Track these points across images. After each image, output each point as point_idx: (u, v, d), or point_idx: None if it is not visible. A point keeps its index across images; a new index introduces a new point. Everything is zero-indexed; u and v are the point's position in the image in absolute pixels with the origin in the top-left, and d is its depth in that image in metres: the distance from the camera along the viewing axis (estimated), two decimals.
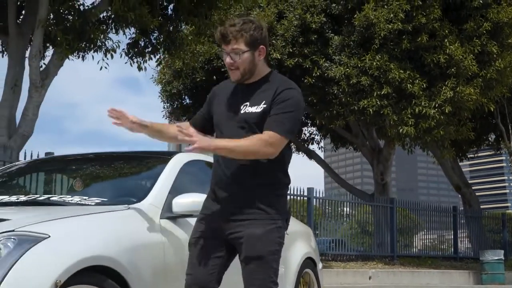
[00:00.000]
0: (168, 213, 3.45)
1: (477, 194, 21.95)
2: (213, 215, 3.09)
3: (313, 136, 21.29)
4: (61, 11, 11.91)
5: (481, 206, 21.24)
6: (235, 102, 3.12)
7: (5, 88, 11.14)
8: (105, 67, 11.71)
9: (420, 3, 14.06)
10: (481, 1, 14.37)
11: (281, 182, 3.13)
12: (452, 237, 18.41)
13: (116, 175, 4.17)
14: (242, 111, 3.08)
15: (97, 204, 3.44)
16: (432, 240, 19.16)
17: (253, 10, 15.38)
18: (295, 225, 5.22)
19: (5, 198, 3.65)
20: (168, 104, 18.75)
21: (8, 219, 2.86)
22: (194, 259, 3.07)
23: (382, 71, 14.03)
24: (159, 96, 18.71)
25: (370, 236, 16.71)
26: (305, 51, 14.89)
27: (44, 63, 11.48)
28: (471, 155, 22.82)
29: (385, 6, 14.22)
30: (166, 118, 19.04)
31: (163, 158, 3.64)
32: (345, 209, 16.11)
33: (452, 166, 20.53)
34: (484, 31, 14.38)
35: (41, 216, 2.94)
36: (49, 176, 4.36)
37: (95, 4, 11.50)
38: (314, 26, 14.81)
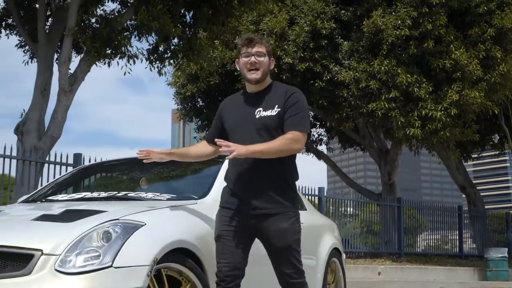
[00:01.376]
0: None
1: (481, 194, 22.46)
2: (237, 210, 3.65)
3: (322, 137, 21.91)
4: (88, 20, 12.62)
5: (485, 207, 21.72)
6: (248, 109, 3.70)
7: (35, 93, 11.66)
8: (128, 72, 12.35)
9: (427, 10, 14.53)
10: (485, 8, 14.81)
11: (294, 179, 3.75)
12: (457, 236, 18.92)
13: (179, 175, 4.84)
14: (257, 116, 3.65)
15: (168, 199, 4.10)
16: (437, 240, 19.66)
17: (265, 16, 15.94)
18: (321, 220, 5.88)
19: (88, 194, 4.31)
20: (182, 106, 19.36)
21: (105, 211, 3.51)
22: (225, 250, 3.61)
23: (390, 75, 14.49)
24: (173, 98, 19.34)
25: (378, 234, 17.23)
26: (316, 56, 15.36)
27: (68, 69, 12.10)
28: (475, 155, 23.33)
29: (393, 13, 14.74)
30: (180, 120, 19.67)
31: (216, 160, 4.27)
32: (349, 209, 16.56)
33: (457, 167, 21.03)
34: (488, 37, 14.80)
35: (132, 208, 3.60)
36: (119, 176, 5.02)
37: (120, 13, 12.12)
38: (324, 32, 15.27)
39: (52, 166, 10.89)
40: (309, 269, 5.06)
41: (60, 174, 10.68)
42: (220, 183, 4.11)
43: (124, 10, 12.90)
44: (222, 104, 3.91)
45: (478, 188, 22.54)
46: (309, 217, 5.30)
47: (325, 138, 21.80)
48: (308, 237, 5.11)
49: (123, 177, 5.04)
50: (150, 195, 4.20)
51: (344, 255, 5.99)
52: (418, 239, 19.05)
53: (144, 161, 3.87)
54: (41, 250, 3.09)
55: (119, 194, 4.27)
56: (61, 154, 10.92)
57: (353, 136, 19.65)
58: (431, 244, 19.11)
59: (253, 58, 3.67)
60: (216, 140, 3.65)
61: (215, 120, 3.92)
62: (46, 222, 3.45)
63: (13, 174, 10.71)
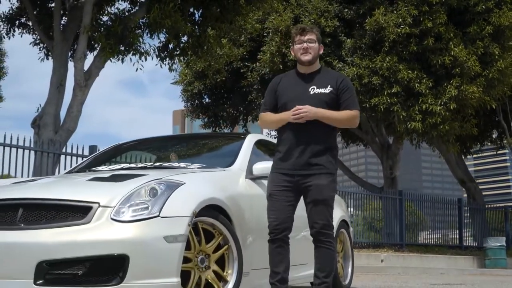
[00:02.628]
0: (250, 175, 4.71)
1: (480, 188, 22.87)
2: (286, 172, 4.28)
3: None
4: (101, 18, 13.12)
5: (486, 206, 22.03)
6: (303, 86, 4.36)
7: (51, 88, 12.14)
8: (140, 69, 12.85)
9: (427, 8, 15.04)
10: (483, 6, 15.29)
11: (335, 147, 4.40)
12: (457, 227, 19.36)
13: (206, 149, 5.42)
14: (311, 92, 4.33)
15: (198, 168, 4.63)
16: (438, 231, 20.06)
17: (271, 15, 16.45)
18: None
19: (126, 165, 4.86)
20: (189, 103, 19.87)
21: (146, 174, 4.05)
22: (275, 206, 4.27)
23: (391, 72, 14.97)
24: (180, 95, 19.87)
25: (380, 226, 17.63)
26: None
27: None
28: (475, 150, 23.77)
29: (394, 12, 15.24)
30: (187, 116, 20.19)
31: (238, 137, 4.83)
32: (353, 201, 16.92)
33: (457, 162, 21.50)
34: (487, 34, 15.29)
35: (170, 172, 4.14)
36: (151, 151, 5.57)
37: (133, 11, 12.63)
38: (328, 30, 15.75)
39: (68, 157, 11.38)
40: None
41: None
42: (244, 154, 4.65)
43: (133, 9, 13.42)
44: (275, 81, 4.54)
45: (479, 186, 22.91)
46: None
47: None
48: None
49: (155, 151, 5.61)
50: (182, 164, 4.75)
51: (351, 228, 6.51)
52: (420, 233, 19.45)
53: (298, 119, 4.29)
54: (98, 203, 3.64)
55: (155, 164, 4.82)
56: (77, 146, 11.42)
57: (356, 131, 20.16)
58: (432, 234, 19.50)
59: (305, 45, 4.34)
60: (293, 110, 4.24)
61: (270, 92, 4.51)
62: (99, 182, 4.02)
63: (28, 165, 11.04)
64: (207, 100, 19.74)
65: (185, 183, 3.90)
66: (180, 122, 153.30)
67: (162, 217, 3.63)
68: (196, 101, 19.64)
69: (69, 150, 11.42)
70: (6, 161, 10.22)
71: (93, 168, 5.00)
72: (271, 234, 4.25)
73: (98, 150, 11.43)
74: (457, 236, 19.31)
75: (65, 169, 11.16)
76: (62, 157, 11.45)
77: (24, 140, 10.61)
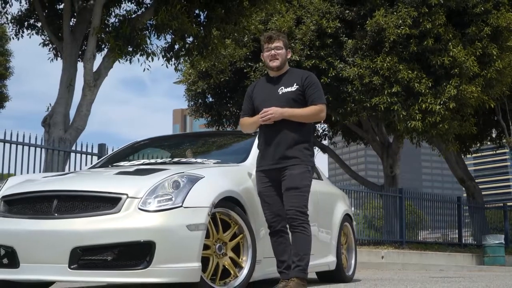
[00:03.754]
0: None
1: (480, 187, 23.14)
2: (268, 169, 4.67)
3: (326, 132, 22.78)
4: (107, 20, 13.44)
5: (486, 206, 22.27)
6: (272, 88, 4.77)
7: (61, 88, 12.40)
8: (148, 69, 13.19)
9: (426, 10, 15.29)
10: (482, 8, 15.53)
11: (307, 140, 4.74)
12: (456, 225, 19.65)
13: (219, 146, 5.78)
14: (280, 92, 4.74)
15: (214, 163, 4.98)
16: (437, 230, 20.32)
17: (274, 16, 16.77)
18: (335, 189, 6.78)
19: (146, 161, 5.21)
20: (192, 103, 20.19)
21: (168, 169, 4.40)
22: (268, 201, 4.66)
23: (392, 72, 15.23)
24: (184, 95, 20.19)
25: (380, 224, 17.89)
26: (322, 53, 16.09)
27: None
28: (475, 149, 24.06)
29: (394, 13, 15.51)
30: (191, 116, 20.51)
31: (251, 135, 5.20)
32: (353, 200, 17.16)
33: (457, 160, 21.79)
34: (485, 35, 15.55)
35: (189, 167, 4.49)
36: (168, 148, 5.92)
37: (141, 13, 12.96)
38: (329, 30, 16.06)
39: (78, 155, 11.67)
40: (325, 229, 5.96)
41: (85, 163, 11.51)
42: (255, 151, 4.99)
43: (140, 11, 13.74)
44: (251, 87, 4.98)
45: (479, 186, 23.16)
46: (325, 187, 6.19)
47: (329, 133, 22.66)
48: (324, 203, 6.01)
49: (170, 149, 5.97)
50: (199, 160, 5.10)
51: (354, 222, 6.86)
52: (419, 231, 19.72)
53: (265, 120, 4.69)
54: (126, 194, 4.00)
55: (174, 160, 5.17)
56: (87, 144, 11.70)
57: (357, 130, 20.50)
58: (432, 232, 19.75)
59: (273, 52, 4.73)
60: (261, 113, 4.66)
61: (246, 99, 4.95)
62: (126, 176, 4.38)
63: (40, 163, 11.33)
64: (210, 99, 20.04)
65: (204, 176, 4.26)
66: (180, 121, 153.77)
67: (184, 207, 4.00)
68: (200, 100, 19.94)
69: (78, 148, 11.69)
70: (16, 159, 10.44)
71: (115, 164, 5.36)
72: (270, 228, 4.66)
73: (107, 148, 11.77)
74: (457, 234, 19.54)
75: (74, 166, 11.43)
76: (72, 154, 11.71)
77: (36, 138, 10.89)
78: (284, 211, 4.61)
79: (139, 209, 3.95)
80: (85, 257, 3.89)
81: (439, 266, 14.59)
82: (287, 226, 4.62)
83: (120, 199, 3.98)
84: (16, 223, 4.09)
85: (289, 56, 4.84)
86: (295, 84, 4.69)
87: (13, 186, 4.50)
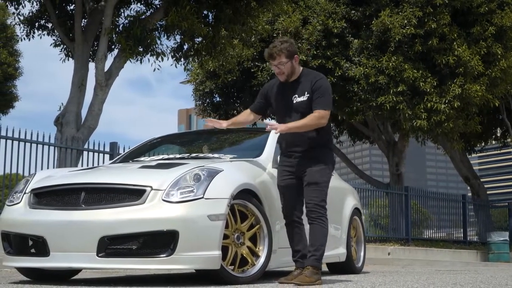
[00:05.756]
0: (275, 164, 5.30)
1: (485, 186, 23.26)
2: (290, 165, 4.91)
3: (332, 131, 22.97)
4: (119, 20, 13.68)
5: (490, 203, 22.41)
6: (287, 96, 4.95)
7: (72, 88, 12.61)
8: (158, 69, 13.41)
9: (431, 10, 15.52)
10: (486, 8, 15.75)
11: (328, 141, 5.01)
12: (461, 223, 19.81)
13: (234, 142, 6.04)
14: (294, 101, 4.92)
15: (230, 159, 5.21)
16: (443, 227, 20.43)
17: (280, 16, 16.98)
18: (344, 184, 7.02)
19: (165, 156, 5.45)
20: (200, 102, 20.41)
21: (187, 163, 4.64)
22: (287, 195, 4.92)
23: (397, 71, 15.45)
24: (192, 94, 20.42)
25: (386, 222, 18.04)
26: (328, 53, 16.32)
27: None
28: (479, 148, 24.21)
29: (400, 13, 15.72)
30: (198, 115, 20.75)
31: (262, 131, 5.44)
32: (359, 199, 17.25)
33: (461, 159, 21.96)
34: (490, 35, 15.78)
35: (208, 161, 4.73)
36: (185, 144, 6.18)
37: (151, 14, 13.19)
38: (335, 30, 16.28)
39: (90, 153, 11.89)
40: (335, 223, 6.19)
41: (97, 162, 11.75)
42: (270, 146, 5.25)
43: (149, 11, 13.97)
44: (265, 88, 5.15)
45: (484, 185, 23.27)
46: (335, 182, 6.40)
47: (335, 132, 22.84)
48: (334, 197, 6.24)
49: (187, 145, 6.22)
50: (216, 155, 5.34)
51: (363, 216, 7.09)
52: (425, 230, 19.88)
53: (206, 126, 5.03)
54: (151, 187, 4.24)
55: (192, 155, 5.41)
56: (99, 143, 11.93)
57: (363, 129, 20.70)
58: (438, 235, 19.85)
59: (276, 69, 4.92)
60: (266, 123, 5.01)
61: (259, 97, 5.16)
62: (148, 169, 4.63)
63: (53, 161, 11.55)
64: (218, 99, 20.26)
65: (223, 170, 4.50)
66: (186, 121, 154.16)
67: (205, 199, 4.24)
68: (207, 100, 20.17)
69: (90, 147, 11.91)
70: (30, 158, 10.65)
71: (135, 159, 5.60)
72: (286, 218, 4.92)
73: (118, 146, 12.00)
74: (461, 232, 19.69)
75: (87, 164, 11.65)
76: (84, 153, 11.92)
77: (50, 137, 11.12)
78: (300, 203, 4.86)
79: (163, 200, 4.19)
80: (112, 245, 4.14)
81: (444, 262, 14.80)
82: (302, 217, 4.86)
83: (145, 191, 4.23)
84: (46, 214, 4.35)
85: (297, 62, 4.94)
86: (306, 93, 4.84)
87: (41, 179, 4.75)
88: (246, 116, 5.19)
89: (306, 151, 4.85)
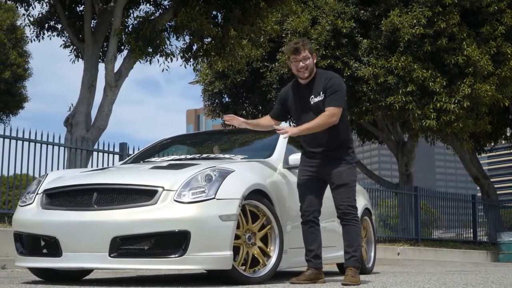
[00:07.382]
0: (286, 164, 5.34)
1: (495, 186, 23.15)
2: (311, 165, 4.93)
3: None
4: (128, 21, 13.72)
5: (500, 203, 22.29)
6: (304, 97, 4.95)
7: (82, 88, 12.67)
8: (167, 69, 13.42)
9: (441, 9, 15.49)
10: (496, 7, 15.70)
11: (349, 140, 5.00)
12: (471, 223, 19.74)
13: (244, 142, 6.05)
14: (312, 102, 4.91)
15: (241, 159, 5.23)
16: (452, 228, 20.37)
17: (289, 17, 16.99)
18: None
19: (176, 157, 5.47)
20: (209, 103, 20.45)
21: (199, 164, 4.65)
22: (302, 194, 4.93)
23: (406, 71, 15.42)
24: (201, 95, 20.46)
25: (396, 222, 18.00)
26: (337, 53, 16.29)
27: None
28: (489, 148, 24.11)
29: (409, 13, 15.71)
30: (208, 116, 20.79)
31: (274, 132, 5.43)
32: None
33: (471, 159, 21.86)
34: (499, 34, 15.72)
35: (219, 162, 4.74)
36: (195, 145, 6.20)
37: (160, 15, 13.21)
38: (344, 31, 16.27)
39: (100, 154, 11.91)
40: None
41: (107, 162, 11.77)
42: (281, 146, 5.26)
43: (157, 12, 14.01)
44: (282, 94, 5.17)
45: (493, 184, 23.16)
46: None
47: None
48: None
49: (197, 145, 6.24)
50: (227, 156, 5.35)
51: (374, 217, 7.09)
52: (434, 230, 19.83)
53: (226, 122, 5.03)
54: (162, 187, 4.26)
55: (203, 156, 5.43)
56: (108, 143, 11.94)
57: (372, 129, 20.66)
58: (447, 235, 19.78)
59: (300, 64, 4.85)
60: (275, 127, 4.98)
61: (278, 103, 5.18)
62: (160, 170, 4.65)
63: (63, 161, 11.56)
64: (227, 99, 20.29)
65: (234, 170, 4.51)
66: (194, 121, 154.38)
67: (217, 199, 4.25)
68: (217, 100, 20.20)
69: (100, 147, 11.93)
70: (41, 158, 10.69)
71: (146, 160, 5.62)
72: (303, 217, 4.93)
73: (128, 147, 12.02)
74: (471, 232, 19.62)
75: (97, 164, 11.65)
76: (94, 153, 11.94)
77: (60, 138, 11.15)
78: (318, 203, 4.90)
79: (175, 200, 4.21)
80: (124, 246, 4.16)
81: (454, 262, 14.76)
82: (319, 218, 4.91)
83: (156, 191, 4.24)
84: (59, 214, 4.37)
85: (315, 61, 4.96)
86: (321, 92, 4.84)
87: (53, 180, 4.78)
88: (267, 121, 5.19)
89: (327, 151, 4.87)
